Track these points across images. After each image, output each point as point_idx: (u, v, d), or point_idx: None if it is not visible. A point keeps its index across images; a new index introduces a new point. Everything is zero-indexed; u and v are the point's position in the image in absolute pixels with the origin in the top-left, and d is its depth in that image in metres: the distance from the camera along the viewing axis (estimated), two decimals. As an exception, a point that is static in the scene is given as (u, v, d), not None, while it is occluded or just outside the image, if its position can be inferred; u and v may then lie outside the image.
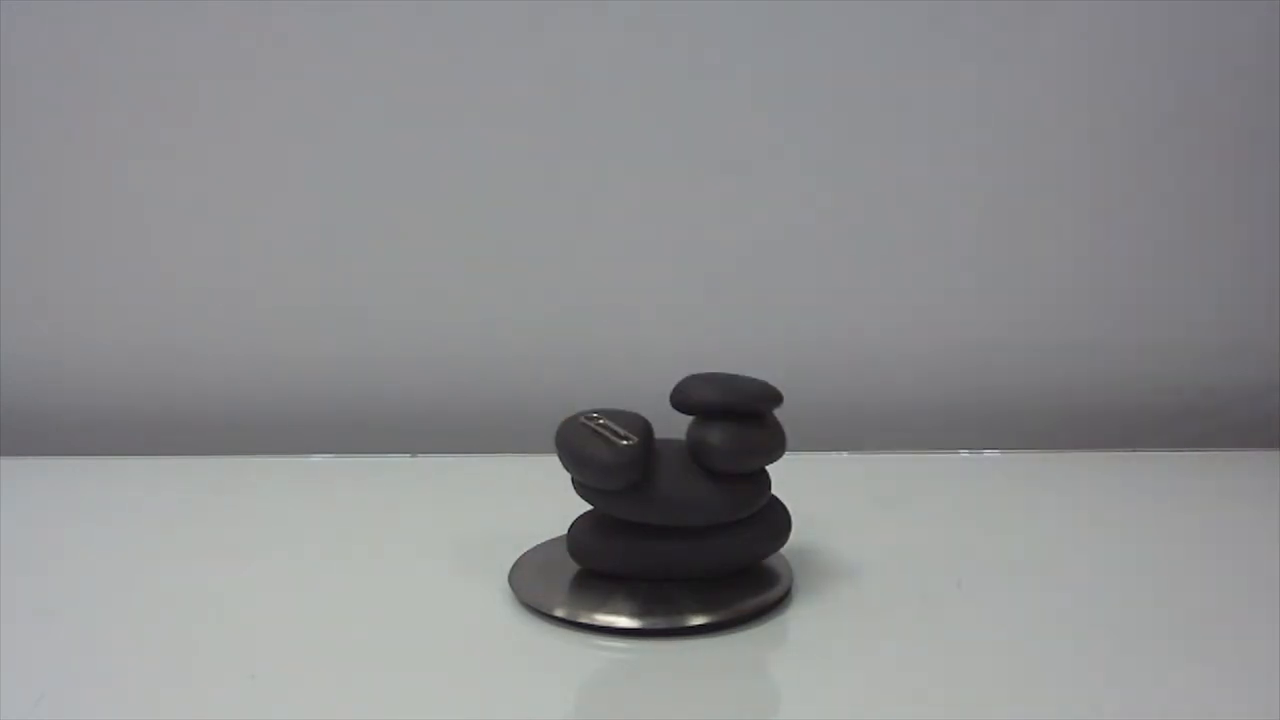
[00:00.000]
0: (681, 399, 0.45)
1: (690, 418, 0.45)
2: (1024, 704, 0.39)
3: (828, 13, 0.65)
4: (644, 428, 0.44)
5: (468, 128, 0.67)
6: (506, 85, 0.66)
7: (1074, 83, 0.66)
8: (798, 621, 0.44)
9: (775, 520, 0.46)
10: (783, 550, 0.47)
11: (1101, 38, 0.65)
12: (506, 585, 0.47)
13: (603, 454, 0.43)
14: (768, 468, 0.45)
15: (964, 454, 0.65)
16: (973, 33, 0.65)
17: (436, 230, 0.68)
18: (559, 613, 0.44)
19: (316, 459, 0.65)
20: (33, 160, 0.67)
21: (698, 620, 0.43)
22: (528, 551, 0.49)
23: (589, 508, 0.46)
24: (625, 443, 0.43)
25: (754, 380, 0.46)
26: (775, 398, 0.45)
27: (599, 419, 0.45)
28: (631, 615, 0.43)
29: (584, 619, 0.43)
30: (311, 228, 0.68)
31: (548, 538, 0.49)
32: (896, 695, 0.39)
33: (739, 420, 0.44)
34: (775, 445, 0.45)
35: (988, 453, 0.65)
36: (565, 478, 0.45)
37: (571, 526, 0.47)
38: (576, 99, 0.66)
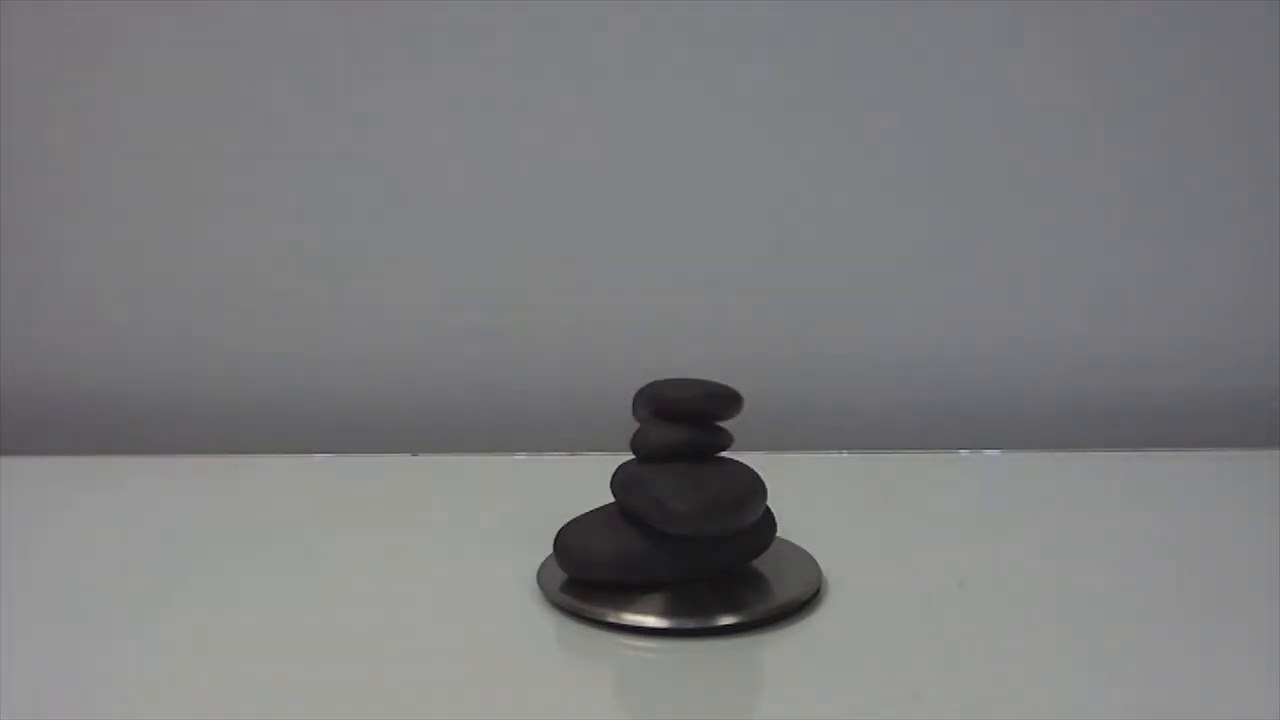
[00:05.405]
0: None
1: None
2: (1024, 704, 0.39)
3: (827, 13, 0.65)
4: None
5: (471, 127, 0.67)
6: (508, 82, 0.66)
7: (1074, 83, 0.66)
8: (803, 623, 0.44)
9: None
10: (810, 551, 0.47)
11: (1103, 37, 0.65)
12: (534, 583, 0.46)
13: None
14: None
15: (964, 454, 0.65)
16: (973, 34, 0.65)
17: (438, 230, 0.68)
18: (588, 612, 0.44)
19: (319, 458, 0.65)
20: (32, 157, 0.67)
21: (727, 620, 0.43)
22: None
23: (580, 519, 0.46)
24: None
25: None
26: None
27: None
28: (660, 615, 0.43)
29: (612, 619, 0.44)
30: (313, 226, 0.68)
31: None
32: (896, 695, 0.39)
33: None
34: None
35: (988, 452, 0.65)
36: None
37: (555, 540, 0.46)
38: (581, 94, 0.66)
